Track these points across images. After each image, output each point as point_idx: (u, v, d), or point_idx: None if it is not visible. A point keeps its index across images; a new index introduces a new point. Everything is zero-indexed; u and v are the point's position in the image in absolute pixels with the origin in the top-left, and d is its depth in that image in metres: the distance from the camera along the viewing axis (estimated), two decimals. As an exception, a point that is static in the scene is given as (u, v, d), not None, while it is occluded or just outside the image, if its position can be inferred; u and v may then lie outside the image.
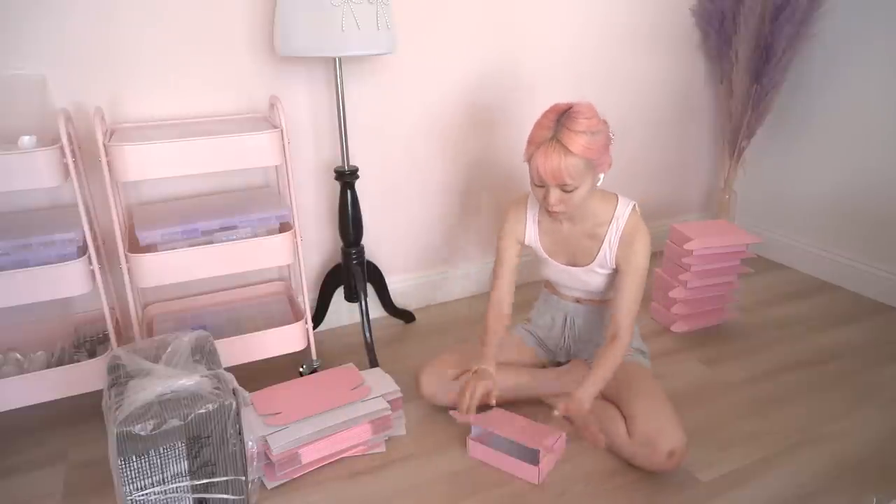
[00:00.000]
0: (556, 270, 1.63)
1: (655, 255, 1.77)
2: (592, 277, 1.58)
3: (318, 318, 2.05)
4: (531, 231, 1.61)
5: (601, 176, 1.45)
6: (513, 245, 1.63)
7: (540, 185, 1.42)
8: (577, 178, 1.37)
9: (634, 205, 1.53)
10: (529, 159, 1.41)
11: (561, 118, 1.37)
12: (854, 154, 2.29)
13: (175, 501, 1.23)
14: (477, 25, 2.05)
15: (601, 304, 1.67)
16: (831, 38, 2.29)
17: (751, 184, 2.65)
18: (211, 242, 1.58)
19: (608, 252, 1.52)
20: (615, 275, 1.57)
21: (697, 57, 2.51)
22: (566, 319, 1.71)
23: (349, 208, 1.85)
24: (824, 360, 1.90)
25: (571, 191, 1.39)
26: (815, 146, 2.42)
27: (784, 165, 2.56)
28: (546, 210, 1.46)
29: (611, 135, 1.45)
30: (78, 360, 1.60)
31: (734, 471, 1.46)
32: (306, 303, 1.77)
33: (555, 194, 1.40)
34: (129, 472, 1.17)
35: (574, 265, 1.59)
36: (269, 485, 1.42)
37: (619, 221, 1.51)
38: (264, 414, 1.47)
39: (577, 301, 1.68)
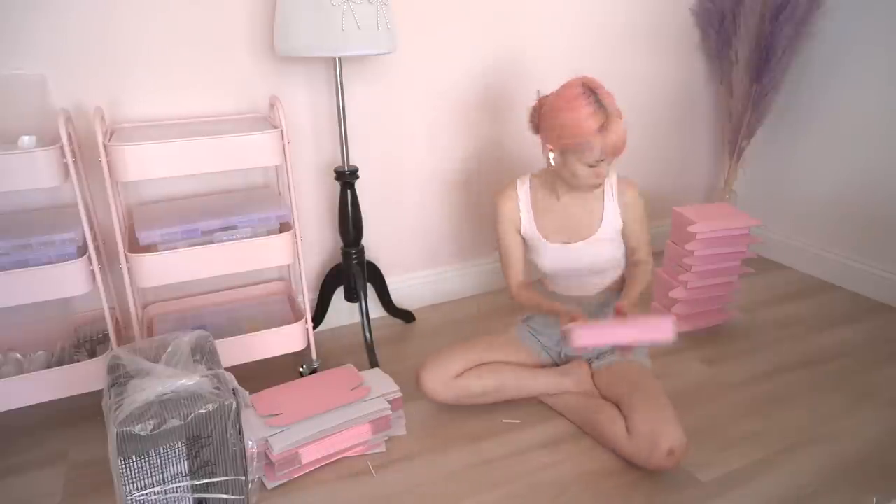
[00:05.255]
0: (556, 256, 1.63)
1: (656, 255, 1.78)
2: (599, 248, 1.62)
3: (318, 318, 2.05)
4: (525, 217, 1.64)
5: None
6: (514, 234, 1.66)
7: (594, 164, 1.47)
8: None
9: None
10: (583, 145, 1.44)
11: (591, 95, 1.44)
12: (854, 154, 2.29)
13: (175, 501, 1.22)
14: (477, 26, 2.05)
15: (598, 294, 1.68)
16: (831, 38, 2.29)
17: (751, 184, 2.65)
18: (211, 242, 1.58)
19: (612, 211, 1.61)
20: (619, 241, 1.64)
21: (697, 57, 2.51)
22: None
23: (349, 208, 1.85)
24: (824, 360, 1.90)
25: None
26: (815, 146, 2.42)
27: (784, 165, 2.56)
28: (588, 187, 1.53)
29: None
30: (78, 360, 1.60)
31: (734, 471, 1.46)
32: (306, 303, 1.77)
33: (605, 166, 1.49)
34: (129, 472, 1.17)
35: (575, 240, 1.62)
36: (269, 485, 1.42)
37: (611, 179, 1.62)
38: (265, 415, 1.47)
39: (574, 299, 1.68)
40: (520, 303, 1.71)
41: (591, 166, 1.48)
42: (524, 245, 1.69)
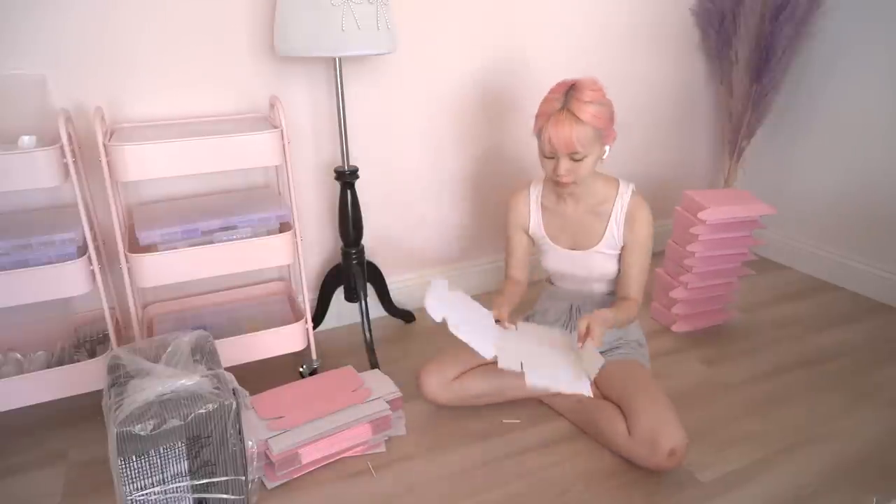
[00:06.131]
0: (559, 258, 1.66)
1: (656, 255, 1.78)
2: (597, 260, 1.62)
3: (318, 318, 2.04)
4: (535, 216, 1.66)
5: (607, 148, 1.52)
6: (521, 234, 1.70)
7: (550, 156, 1.48)
8: (587, 146, 1.45)
9: (634, 186, 1.61)
10: (539, 132, 1.47)
11: (569, 91, 1.45)
12: (854, 154, 2.29)
13: (175, 501, 1.23)
14: (477, 26, 2.05)
15: (603, 296, 1.68)
16: (831, 38, 2.29)
17: (751, 184, 2.64)
18: (211, 242, 1.57)
19: (615, 229, 1.58)
20: (619, 260, 1.62)
21: (697, 57, 2.51)
22: (569, 316, 1.71)
23: (349, 208, 1.85)
24: (824, 360, 1.90)
25: (580, 160, 1.46)
26: (815, 146, 2.42)
27: (784, 165, 2.56)
28: (555, 182, 1.53)
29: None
30: (78, 360, 1.60)
31: (734, 471, 1.46)
32: (306, 303, 1.77)
33: (565, 164, 1.47)
34: (129, 472, 1.17)
35: (578, 248, 1.63)
36: (270, 485, 1.42)
37: (624, 198, 1.59)
38: (266, 418, 1.48)
39: (580, 296, 1.69)
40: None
41: (548, 158, 1.50)
42: (532, 244, 1.71)
